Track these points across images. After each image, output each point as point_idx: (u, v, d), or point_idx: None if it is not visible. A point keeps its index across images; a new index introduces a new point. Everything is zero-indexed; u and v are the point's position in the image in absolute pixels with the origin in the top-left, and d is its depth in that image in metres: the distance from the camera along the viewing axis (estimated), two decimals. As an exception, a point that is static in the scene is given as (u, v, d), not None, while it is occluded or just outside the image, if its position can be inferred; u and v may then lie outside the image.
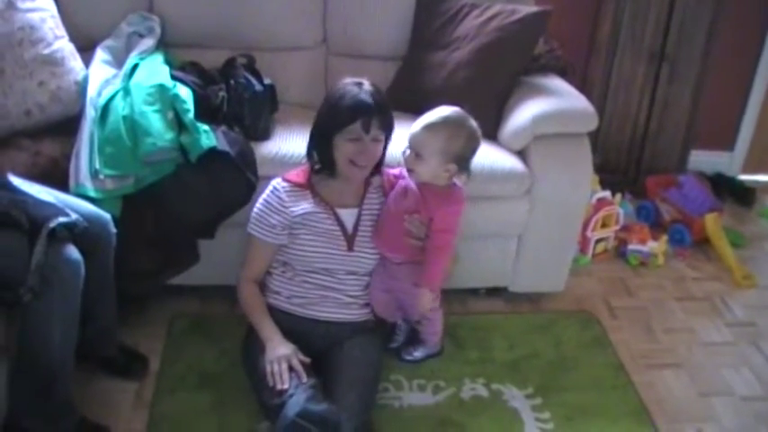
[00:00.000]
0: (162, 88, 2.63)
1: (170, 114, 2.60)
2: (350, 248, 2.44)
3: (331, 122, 2.34)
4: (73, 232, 2.14)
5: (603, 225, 3.35)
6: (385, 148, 2.42)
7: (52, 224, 2.04)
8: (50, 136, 2.63)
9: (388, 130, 2.38)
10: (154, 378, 2.59)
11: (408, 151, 2.36)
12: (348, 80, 2.39)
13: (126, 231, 2.49)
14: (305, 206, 2.41)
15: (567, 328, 2.95)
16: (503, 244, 2.92)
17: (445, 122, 2.32)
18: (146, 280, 2.68)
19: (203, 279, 2.84)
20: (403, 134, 2.41)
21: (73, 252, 2.12)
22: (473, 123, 2.36)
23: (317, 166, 2.44)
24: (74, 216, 2.13)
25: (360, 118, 2.29)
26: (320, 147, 2.40)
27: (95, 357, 2.57)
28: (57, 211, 2.10)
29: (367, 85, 2.35)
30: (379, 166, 2.48)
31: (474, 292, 3.08)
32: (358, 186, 2.49)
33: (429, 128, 2.31)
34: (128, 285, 2.59)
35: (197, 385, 2.57)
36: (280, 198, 2.42)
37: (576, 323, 2.98)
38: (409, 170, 2.38)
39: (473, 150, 2.38)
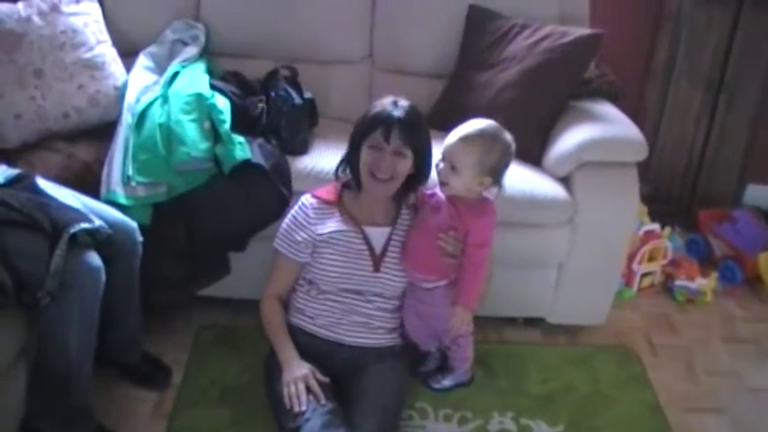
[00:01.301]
0: (200, 97, 2.61)
1: (206, 124, 2.58)
2: (376, 269, 2.37)
3: (358, 131, 2.32)
4: (95, 238, 2.12)
5: (651, 258, 3.22)
6: (422, 167, 2.35)
7: (73, 229, 2.02)
8: (87, 140, 2.64)
9: (416, 148, 2.29)
10: (175, 389, 2.56)
11: (442, 164, 2.29)
12: (388, 97, 2.33)
13: (156, 240, 2.48)
14: (331, 225, 2.36)
15: (605, 363, 2.83)
16: (542, 273, 2.82)
17: (481, 135, 2.26)
18: (175, 290, 2.65)
19: (233, 292, 2.80)
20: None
21: (94, 258, 2.10)
22: (508, 136, 2.29)
23: (344, 180, 2.40)
24: (97, 222, 2.11)
25: (381, 125, 2.25)
26: (350, 157, 2.36)
27: (118, 364, 2.55)
28: (80, 216, 2.08)
29: (402, 103, 2.30)
30: (416, 186, 2.40)
31: (511, 321, 2.98)
32: (388, 204, 2.41)
33: (464, 140, 2.26)
34: (156, 294, 2.58)
35: (218, 400, 2.52)
36: (306, 215, 2.37)
37: (615, 358, 2.86)
38: (442, 183, 2.31)
39: (507, 164, 2.32)
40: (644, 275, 3.24)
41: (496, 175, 2.30)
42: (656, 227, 3.24)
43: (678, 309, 3.22)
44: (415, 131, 2.29)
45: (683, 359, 2.92)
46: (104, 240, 2.15)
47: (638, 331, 3.04)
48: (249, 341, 2.70)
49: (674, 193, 3.68)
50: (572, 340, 2.95)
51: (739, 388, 2.80)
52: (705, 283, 3.23)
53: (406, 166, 2.30)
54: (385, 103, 2.30)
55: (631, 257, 3.13)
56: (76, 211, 2.10)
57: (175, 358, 2.67)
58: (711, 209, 3.60)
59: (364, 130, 2.28)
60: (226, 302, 2.86)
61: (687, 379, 2.82)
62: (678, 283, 3.24)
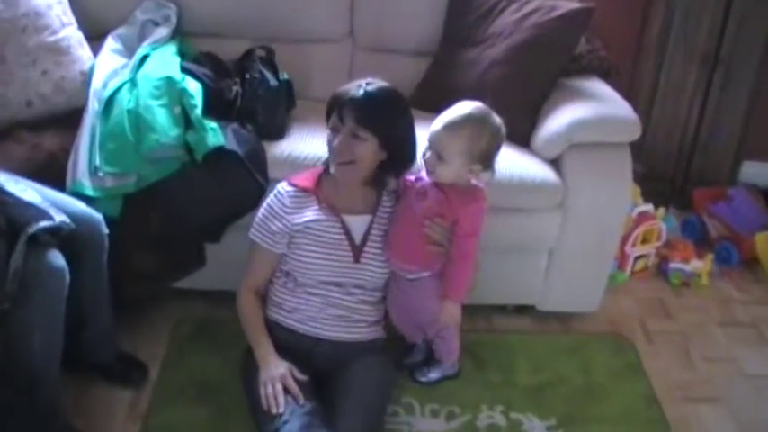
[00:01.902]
0: (170, 81, 2.49)
1: (177, 110, 2.46)
2: (356, 260, 2.26)
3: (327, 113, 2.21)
4: (58, 235, 2.00)
5: (644, 241, 3.11)
6: (398, 152, 2.21)
7: (32, 229, 1.90)
8: (53, 129, 2.50)
9: (378, 131, 2.14)
10: (152, 387, 2.45)
11: (429, 153, 2.16)
12: (363, 79, 2.21)
13: (128, 232, 2.38)
14: (308, 214, 2.24)
15: (599, 352, 2.73)
16: (532, 259, 2.71)
17: (468, 120, 2.13)
18: (148, 283, 2.55)
19: (210, 283, 2.68)
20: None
21: (56, 258, 1.98)
22: (497, 119, 2.16)
23: (325, 170, 2.29)
24: (58, 219, 1.99)
25: (336, 106, 2.15)
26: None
27: (92, 364, 2.44)
28: (39, 213, 1.96)
29: (372, 84, 2.16)
30: (395, 172, 2.28)
31: (500, 308, 2.87)
32: (368, 191, 2.29)
33: (450, 127, 2.12)
34: (129, 288, 2.48)
35: (196, 397, 2.41)
36: (282, 203, 2.25)
37: (609, 347, 2.75)
38: (429, 172, 2.19)
39: (497, 147, 2.19)
40: (637, 258, 3.14)
41: (487, 161, 2.17)
42: (649, 207, 3.13)
43: (673, 292, 3.12)
44: (374, 113, 2.14)
45: (679, 346, 2.82)
46: (68, 236, 2.03)
47: (633, 317, 2.94)
48: (228, 334, 2.57)
49: (667, 172, 3.57)
50: (564, 328, 2.85)
51: (737, 375, 2.71)
52: (701, 265, 3.12)
53: (366, 149, 2.15)
54: (352, 84, 2.18)
55: (624, 240, 3.02)
56: (35, 207, 1.98)
57: (152, 353, 2.57)
58: (706, 187, 3.50)
59: (327, 113, 2.19)
60: (203, 294, 2.75)
61: (683, 367, 2.73)
62: (673, 265, 3.13)
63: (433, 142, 2.14)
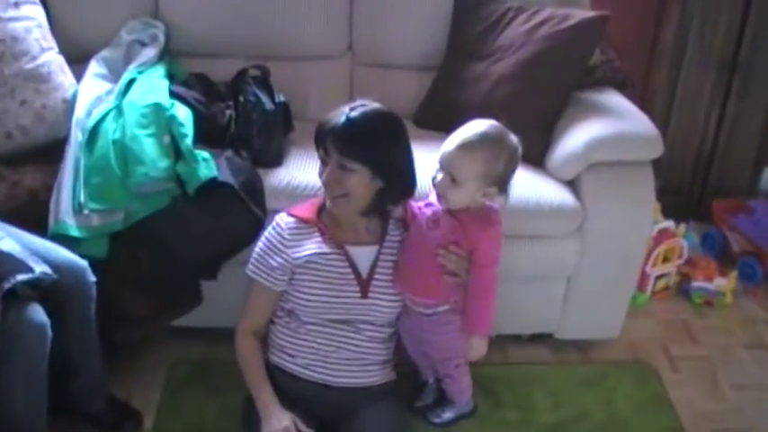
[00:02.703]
0: (158, 108, 2.33)
1: (166, 139, 2.30)
2: (364, 295, 2.09)
3: None
4: (39, 288, 1.84)
5: (665, 259, 2.95)
6: (393, 181, 2.03)
7: (8, 284, 1.74)
8: (34, 163, 2.34)
9: (364, 160, 1.96)
10: (147, 437, 2.30)
11: (440, 175, 1.99)
12: (354, 102, 2.04)
13: (117, 273, 2.23)
14: (310, 247, 2.07)
15: (621, 382, 2.57)
16: (548, 287, 2.55)
17: (485, 140, 1.96)
18: (141, 326, 2.38)
19: (208, 321, 2.52)
20: (435, 157, 2.03)
21: (36, 313, 1.83)
22: (513, 139, 2.00)
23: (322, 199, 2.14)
24: (38, 270, 1.84)
25: (320, 137, 2.00)
26: None
27: (83, 413, 2.29)
28: (16, 265, 1.81)
29: (356, 108, 1.99)
30: (395, 200, 2.10)
31: (515, 338, 2.71)
32: (372, 220, 2.12)
33: (465, 147, 1.95)
34: (121, 332, 2.33)
35: (194, 449, 2.26)
36: (281, 237, 2.09)
37: (631, 377, 2.60)
38: (440, 196, 2.03)
39: (514, 170, 2.03)
40: (658, 278, 2.98)
41: (503, 184, 2.01)
42: (670, 224, 2.97)
43: (696, 313, 2.96)
44: (358, 142, 1.96)
45: (705, 372, 2.67)
46: (50, 287, 1.88)
47: (655, 342, 2.79)
48: (227, 377, 2.40)
49: (685, 184, 3.41)
50: (583, 357, 2.69)
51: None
52: (724, 283, 2.97)
53: (357, 180, 1.98)
54: (338, 109, 2.01)
55: (645, 259, 2.85)
56: (13, 258, 1.83)
57: (146, 399, 2.41)
58: (726, 199, 3.34)
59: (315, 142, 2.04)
60: (200, 333, 2.59)
61: (711, 396, 2.58)
62: (695, 284, 2.98)
63: (446, 164, 1.98)
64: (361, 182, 1.98)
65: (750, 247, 3.15)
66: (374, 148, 1.98)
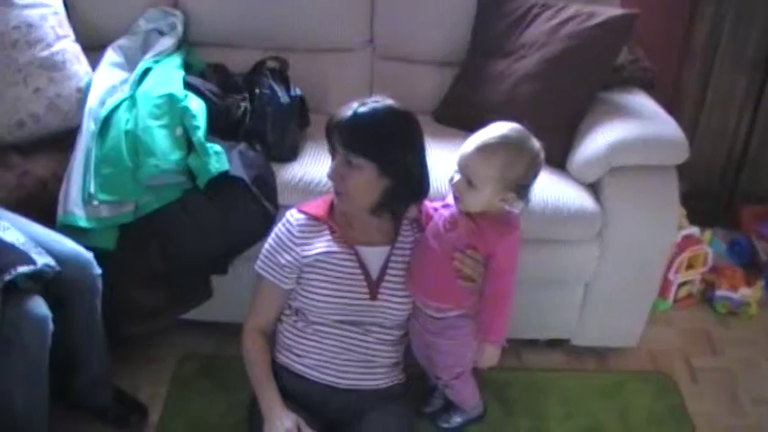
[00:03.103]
0: (171, 99, 2.29)
1: (178, 131, 2.26)
2: (373, 296, 2.04)
3: None
4: (41, 280, 1.81)
5: (689, 266, 2.87)
6: (405, 180, 1.97)
7: (9, 276, 1.72)
8: (46, 152, 2.33)
9: (380, 158, 1.92)
10: (153, 430, 2.28)
11: (457, 176, 1.93)
12: (368, 97, 2.00)
13: (125, 266, 2.21)
14: (319, 245, 2.02)
15: (638, 393, 2.50)
16: (566, 292, 2.48)
17: (503, 143, 1.89)
18: (149, 320, 2.35)
19: (220, 315, 2.50)
20: (453, 156, 1.97)
21: (38, 306, 1.81)
22: (535, 144, 1.92)
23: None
24: (40, 262, 1.81)
25: (328, 135, 1.97)
26: None
27: (89, 407, 2.28)
28: (19, 256, 1.78)
29: (367, 103, 1.94)
30: (408, 200, 2.05)
31: (531, 343, 2.65)
32: (385, 220, 2.06)
33: (483, 150, 1.88)
34: (129, 326, 2.31)
35: (198, 446, 2.23)
36: (291, 234, 2.04)
37: (649, 387, 2.52)
38: (456, 199, 1.96)
39: (535, 176, 1.95)
40: (681, 285, 2.89)
41: (522, 190, 1.93)
42: (695, 231, 2.88)
43: (720, 323, 2.87)
44: (363, 137, 1.91)
45: (726, 385, 2.59)
46: (53, 280, 1.85)
47: (676, 352, 2.71)
48: (236, 373, 2.34)
49: (713, 189, 3.31)
50: (600, 365, 2.62)
51: (791, 420, 2.47)
52: (750, 293, 2.87)
53: (361, 177, 1.93)
54: (350, 103, 1.96)
55: (668, 266, 2.77)
56: (16, 249, 1.80)
57: (154, 393, 2.41)
58: (756, 205, 3.24)
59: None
60: (212, 327, 2.57)
61: (731, 410, 2.50)
62: (719, 293, 2.89)
63: (463, 166, 1.91)
64: (365, 179, 1.93)
65: (779, 257, 3.06)
66: (380, 145, 1.93)
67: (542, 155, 1.94)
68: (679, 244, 2.82)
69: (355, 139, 1.91)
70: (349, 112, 1.92)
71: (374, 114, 1.93)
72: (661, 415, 2.42)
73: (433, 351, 2.15)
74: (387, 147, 1.94)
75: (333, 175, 1.97)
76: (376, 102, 1.96)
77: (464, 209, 1.96)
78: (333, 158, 1.98)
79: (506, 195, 1.91)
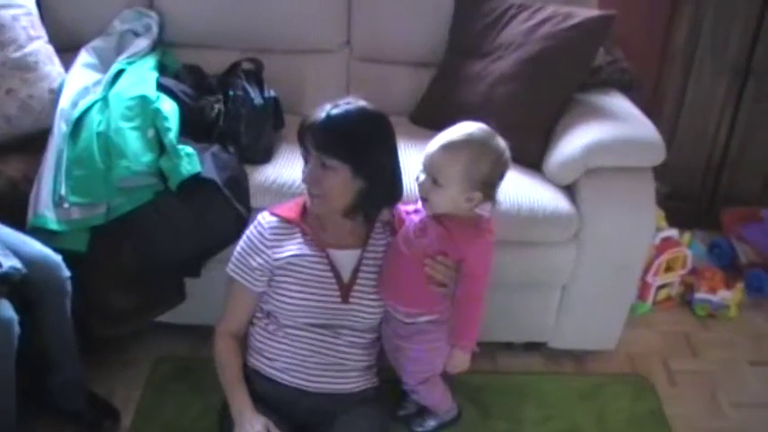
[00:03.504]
0: (144, 101, 2.28)
1: (150, 132, 2.25)
2: (344, 300, 2.02)
3: None
4: (7, 283, 1.79)
5: (668, 269, 2.86)
6: (379, 183, 1.96)
7: (-28, 278, 1.69)
8: (17, 153, 2.31)
9: (353, 160, 1.90)
10: (125, 435, 2.26)
11: (423, 176, 1.92)
12: (341, 98, 1.98)
13: (97, 268, 2.19)
14: (291, 249, 2.01)
15: (616, 396, 2.48)
16: (543, 294, 2.47)
17: (468, 142, 1.88)
18: (122, 322, 2.33)
19: (195, 318, 2.47)
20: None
21: (3, 309, 1.81)
22: (500, 142, 1.91)
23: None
24: (6, 264, 1.80)
25: (302, 137, 1.95)
26: None
27: (61, 410, 2.25)
28: (-18, 259, 1.74)
29: (342, 105, 1.93)
30: (381, 203, 2.03)
31: (508, 346, 2.63)
32: (357, 223, 2.04)
33: (448, 148, 1.87)
34: (102, 328, 2.29)
35: (171, 451, 2.21)
36: (263, 236, 2.02)
37: (628, 391, 2.51)
38: (424, 199, 1.95)
39: (500, 175, 1.94)
40: (660, 287, 2.88)
41: (488, 188, 1.92)
42: (674, 233, 2.87)
43: (699, 325, 2.86)
44: (336, 139, 1.90)
45: (705, 389, 2.57)
46: (20, 282, 1.83)
47: (655, 355, 2.69)
48: (210, 376, 2.28)
49: (693, 192, 3.30)
50: (578, 368, 2.61)
51: (771, 423, 2.46)
52: (730, 295, 2.86)
53: (336, 179, 1.91)
54: (322, 107, 1.94)
55: (647, 268, 2.76)
56: (-22, 252, 1.77)
57: (128, 396, 2.38)
58: (736, 207, 3.23)
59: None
60: (186, 329, 2.54)
61: (710, 414, 2.48)
62: (699, 295, 2.88)
63: (429, 165, 1.90)
64: (339, 181, 1.91)
65: (759, 259, 3.04)
66: (353, 146, 1.91)
67: (507, 154, 1.93)
68: (658, 246, 2.81)
69: (328, 140, 1.90)
70: (322, 115, 1.91)
71: (347, 116, 1.92)
72: (639, 418, 2.41)
73: (401, 355, 2.12)
74: (359, 148, 1.92)
75: (307, 179, 1.95)
76: (348, 103, 1.94)
77: (431, 210, 1.94)
78: (306, 162, 1.96)
79: (472, 195, 1.89)
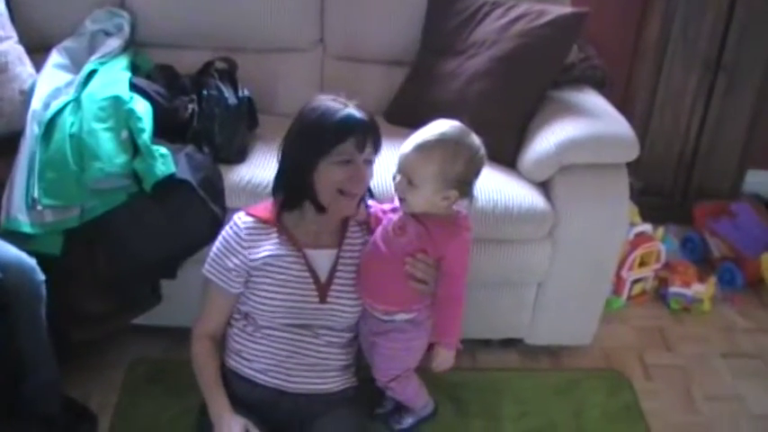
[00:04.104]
0: (117, 101, 2.25)
1: (124, 134, 2.22)
2: (322, 300, 2.01)
3: (314, 145, 1.92)
4: (-20, 287, 1.77)
5: (642, 263, 2.88)
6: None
7: (-57, 284, 1.66)
8: (-12, 157, 2.26)
9: (378, 153, 1.99)
10: (102, 440, 2.23)
11: (399, 176, 1.92)
12: (324, 96, 1.97)
13: (71, 271, 2.17)
14: (268, 248, 2.00)
15: (592, 391, 2.50)
16: (519, 292, 2.48)
17: (441, 141, 1.87)
18: (98, 325, 2.31)
19: (170, 319, 2.45)
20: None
21: (-24, 314, 1.75)
22: (475, 140, 1.91)
23: (281, 201, 2.03)
24: (-21, 270, 1.75)
25: (352, 135, 1.90)
26: (295, 180, 1.97)
27: (36, 415, 2.20)
28: (-46, 265, 1.72)
29: (350, 103, 1.96)
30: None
31: (485, 343, 2.64)
32: (335, 222, 2.05)
33: (421, 149, 1.87)
34: (77, 332, 2.26)
35: (148, 454, 2.19)
36: (239, 237, 2.01)
37: (603, 385, 2.53)
38: (401, 199, 1.95)
39: (476, 172, 1.94)
40: (635, 282, 2.91)
41: (464, 186, 1.92)
42: (647, 228, 2.90)
43: (673, 319, 2.89)
44: (379, 134, 1.98)
45: (679, 383, 2.60)
46: (-5, 287, 1.81)
47: (630, 350, 2.72)
48: (186, 378, 2.29)
49: (666, 186, 3.34)
50: (554, 364, 2.63)
51: (743, 416, 2.49)
52: (703, 289, 2.90)
53: (372, 172, 2.00)
54: (330, 103, 1.94)
55: (621, 263, 2.79)
56: (-50, 257, 1.75)
57: (103, 401, 2.36)
58: (708, 202, 3.26)
59: (327, 143, 1.90)
60: (161, 331, 2.53)
61: (685, 407, 2.51)
62: (673, 289, 2.91)
63: (403, 165, 1.90)
64: (372, 173, 2.00)
65: (730, 253, 3.08)
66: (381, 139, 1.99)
67: (482, 150, 1.93)
68: (632, 241, 2.84)
69: (379, 138, 1.97)
70: (363, 114, 1.94)
71: (369, 111, 1.99)
72: (615, 413, 2.43)
73: (375, 352, 2.12)
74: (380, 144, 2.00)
75: (363, 179, 1.96)
76: (342, 99, 1.97)
77: (408, 209, 1.95)
78: (348, 164, 1.91)
79: (448, 193, 1.90)
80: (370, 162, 1.95)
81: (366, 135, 1.92)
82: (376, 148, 1.96)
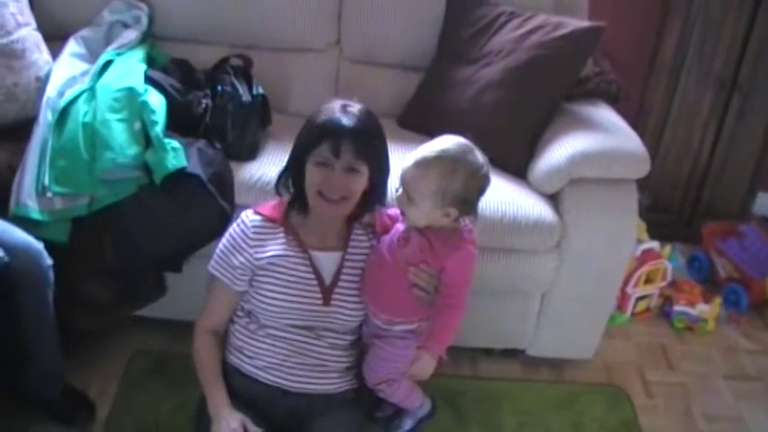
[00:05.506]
0: (131, 93, 2.26)
1: (137, 125, 2.23)
2: (326, 302, 2.01)
3: (301, 144, 1.95)
4: (-11, 269, 1.78)
5: (648, 281, 2.88)
6: (378, 183, 1.99)
7: (-50, 266, 1.67)
8: (1, 142, 2.28)
9: (372, 162, 1.93)
10: (101, 427, 2.24)
11: (400, 190, 1.92)
12: (338, 100, 1.96)
13: (78, 259, 2.17)
14: (274, 248, 2.00)
15: (592, 405, 2.50)
16: (523, 302, 2.47)
17: (439, 158, 1.86)
18: (102, 314, 2.31)
19: (173, 312, 2.46)
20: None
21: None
22: (477, 158, 1.89)
23: (288, 200, 2.03)
24: (-12, 253, 1.76)
25: (328, 138, 1.88)
26: (293, 174, 2.00)
27: (36, 400, 2.23)
28: (-38, 247, 1.73)
29: (354, 108, 1.92)
30: (370, 205, 2.04)
31: (487, 352, 2.64)
32: (341, 225, 2.05)
33: (420, 165, 1.87)
34: (81, 320, 2.26)
35: (144, 445, 2.19)
36: (245, 235, 2.01)
37: (603, 400, 2.52)
38: (402, 213, 1.95)
39: (479, 190, 1.93)
40: (639, 299, 2.90)
41: (464, 204, 1.91)
42: (655, 245, 2.89)
43: (676, 338, 2.89)
44: (370, 143, 1.92)
45: (680, 401, 2.59)
46: (1, 270, 1.82)
47: (631, 366, 2.71)
48: (186, 372, 2.28)
49: (675, 204, 3.33)
50: (555, 376, 2.62)
51: (743, 437, 2.48)
52: (707, 309, 2.89)
53: (361, 183, 1.93)
54: (333, 108, 1.92)
55: (626, 280, 2.78)
56: (-42, 239, 1.76)
57: (103, 390, 2.37)
58: (716, 222, 3.25)
59: (308, 144, 1.91)
60: (164, 324, 2.53)
61: (684, 426, 2.50)
62: (677, 308, 2.90)
63: (403, 180, 1.90)
64: (362, 183, 1.94)
65: (737, 274, 3.06)
66: (379, 149, 1.96)
67: (485, 169, 1.91)
68: (638, 258, 2.83)
69: (365, 145, 1.90)
70: (351, 119, 1.89)
71: (369, 118, 1.94)
72: (614, 428, 2.42)
73: (371, 352, 2.12)
74: (379, 151, 1.96)
75: (337, 185, 1.90)
76: (356, 104, 1.94)
77: (409, 223, 1.95)
78: (325, 167, 1.89)
79: (447, 210, 1.89)
80: (353, 170, 1.90)
81: (340, 141, 1.87)
82: (365, 157, 1.90)
